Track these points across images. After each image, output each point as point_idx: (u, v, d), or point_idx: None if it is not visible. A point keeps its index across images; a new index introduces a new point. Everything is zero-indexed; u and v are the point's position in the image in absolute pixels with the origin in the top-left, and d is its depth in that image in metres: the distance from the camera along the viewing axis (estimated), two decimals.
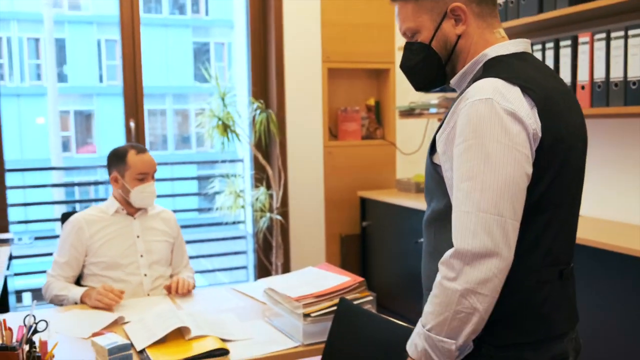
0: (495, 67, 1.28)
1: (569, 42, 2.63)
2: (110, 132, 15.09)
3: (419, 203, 3.52)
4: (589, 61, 2.56)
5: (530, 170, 1.19)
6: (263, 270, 4.22)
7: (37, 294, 5.47)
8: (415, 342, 1.25)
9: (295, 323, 1.88)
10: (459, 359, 1.23)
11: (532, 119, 1.20)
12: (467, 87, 1.29)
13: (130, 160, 2.48)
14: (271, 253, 4.09)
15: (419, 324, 1.26)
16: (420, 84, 1.44)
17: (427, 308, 1.23)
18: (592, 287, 2.40)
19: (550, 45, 2.72)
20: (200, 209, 7.46)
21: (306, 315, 1.86)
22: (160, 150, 15.64)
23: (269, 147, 4.15)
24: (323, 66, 4.15)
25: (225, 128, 3.83)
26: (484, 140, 1.18)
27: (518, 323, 1.25)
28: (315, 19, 4.08)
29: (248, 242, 4.45)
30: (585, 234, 2.44)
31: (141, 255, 2.50)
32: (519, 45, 1.35)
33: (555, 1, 2.66)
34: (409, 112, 3.79)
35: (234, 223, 4.27)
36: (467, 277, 1.16)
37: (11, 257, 3.16)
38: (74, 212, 2.62)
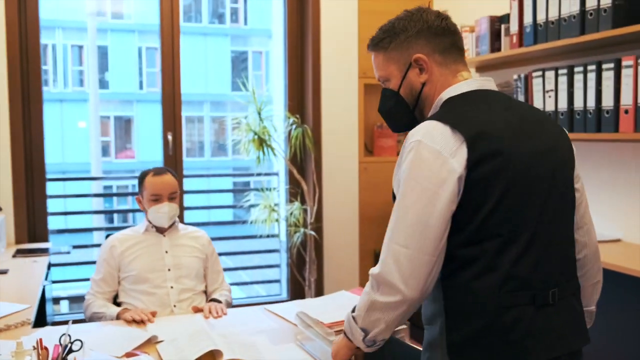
0: (441, 110, 1.42)
1: (611, 65, 2.58)
2: (149, 138, 15.32)
3: None
4: (632, 85, 2.49)
5: (448, 206, 1.29)
6: (296, 285, 4.22)
7: (73, 301, 5.56)
8: (346, 319, 1.48)
9: (327, 349, 1.87)
10: (370, 349, 1.44)
11: (458, 156, 1.29)
12: None
13: (146, 182, 2.63)
14: (304, 268, 4.08)
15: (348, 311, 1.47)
16: (395, 127, 1.58)
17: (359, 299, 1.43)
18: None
19: (592, 67, 2.67)
20: (235, 221, 7.51)
21: None
22: (197, 157, 15.82)
23: (304, 162, 4.16)
24: (359, 82, 4.14)
25: (261, 142, 3.85)
26: (409, 180, 1.31)
27: (486, 347, 1.30)
28: (352, 35, 4.08)
29: (282, 256, 4.45)
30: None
31: (169, 269, 2.59)
32: (472, 84, 1.44)
33: (598, 23, 2.61)
34: None
35: (268, 236, 4.28)
36: (373, 297, 1.36)
37: (49, 266, 3.22)
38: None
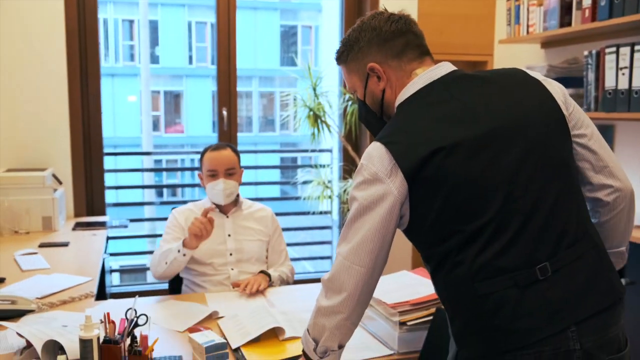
0: (390, 121, 1.46)
1: None
2: (198, 113, 15.49)
3: None
4: None
5: (383, 223, 1.34)
6: None
7: (124, 273, 5.67)
8: (302, 334, 1.50)
9: (390, 330, 1.84)
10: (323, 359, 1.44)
11: (393, 175, 1.32)
12: None
13: (205, 157, 2.58)
14: None
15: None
16: (374, 133, 1.52)
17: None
18: None
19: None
20: (287, 197, 7.51)
21: (402, 324, 1.80)
22: (245, 132, 15.92)
23: (359, 139, 4.09)
24: None
25: (316, 118, 3.81)
26: (351, 197, 1.38)
27: (480, 333, 1.32)
28: (412, 9, 3.96)
29: (334, 232, 4.43)
30: None
31: (230, 254, 2.54)
32: (420, 80, 1.42)
33: None
34: None
35: (320, 213, 4.26)
36: (320, 302, 1.43)
37: (107, 239, 3.27)
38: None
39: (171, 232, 2.57)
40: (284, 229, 2.80)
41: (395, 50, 1.44)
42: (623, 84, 2.77)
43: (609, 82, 2.84)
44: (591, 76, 2.97)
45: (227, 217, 2.60)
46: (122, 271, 5.51)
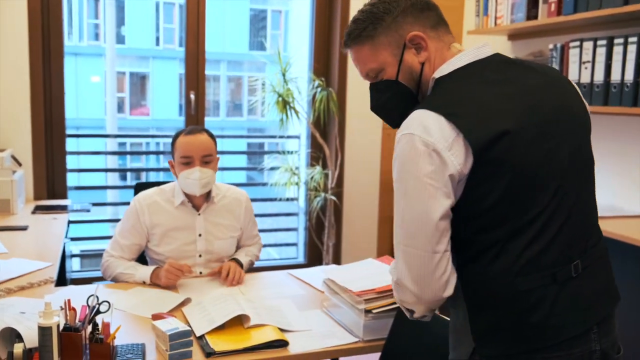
0: (432, 94, 1.34)
1: None
2: (164, 96, 15.26)
3: None
4: None
5: (447, 202, 1.23)
6: (314, 249, 4.20)
7: (84, 258, 5.56)
8: None
9: (356, 318, 1.84)
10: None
11: (454, 149, 1.21)
12: None
13: (177, 142, 2.34)
14: (323, 233, 4.05)
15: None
16: (397, 121, 1.37)
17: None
18: None
19: (633, 39, 2.56)
20: (253, 183, 7.46)
21: (367, 312, 1.81)
22: (212, 117, 15.74)
23: (328, 126, 4.08)
24: None
25: (285, 104, 3.78)
26: (404, 175, 1.25)
27: (511, 331, 1.26)
28: None
29: (300, 219, 4.42)
30: None
31: (199, 255, 2.40)
32: (466, 57, 1.34)
33: None
34: None
35: (287, 200, 4.24)
36: (397, 297, 1.35)
37: (69, 223, 3.20)
38: (147, 183, 2.56)
39: (130, 226, 2.36)
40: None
41: (432, 20, 1.36)
42: (585, 78, 2.81)
43: (572, 76, 2.88)
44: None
45: (199, 214, 2.40)
46: (84, 256, 5.40)
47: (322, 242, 4.10)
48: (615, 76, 2.66)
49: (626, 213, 2.84)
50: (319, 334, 1.84)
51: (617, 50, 2.65)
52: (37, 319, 1.50)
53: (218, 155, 2.43)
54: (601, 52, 2.72)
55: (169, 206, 2.38)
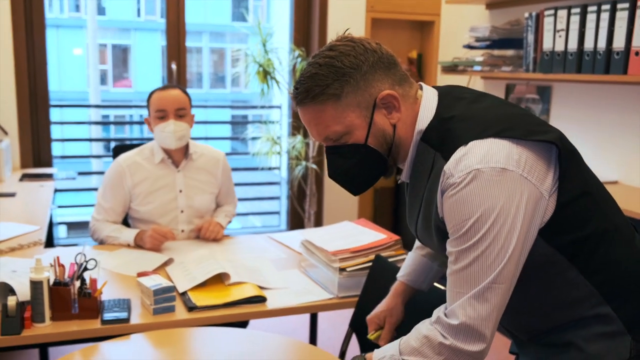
0: (453, 131, 1.16)
1: (626, 5, 2.55)
2: (147, 68, 15.16)
3: None
4: None
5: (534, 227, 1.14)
6: (296, 217, 4.30)
7: (71, 227, 5.64)
8: None
9: (331, 276, 1.94)
10: None
11: (536, 171, 1.14)
12: (434, 166, 1.18)
13: (152, 99, 2.42)
14: (305, 201, 4.15)
15: (396, 348, 1.20)
16: (362, 188, 1.30)
17: (418, 351, 1.16)
18: None
19: (606, 7, 2.64)
20: (236, 152, 7.51)
21: (342, 270, 1.91)
22: (195, 89, 15.69)
23: None
24: (367, 16, 4.09)
25: (266, 75, 3.84)
26: (488, 212, 1.13)
27: None
28: None
29: (282, 188, 4.51)
30: None
31: (182, 211, 2.47)
32: (434, 91, 1.25)
33: None
34: (452, 68, 3.74)
35: (269, 169, 4.33)
36: (456, 345, 1.14)
37: (55, 191, 3.27)
38: (124, 147, 2.61)
39: (111, 188, 2.41)
40: (234, 184, 2.77)
41: (398, 75, 1.22)
42: (560, 46, 2.89)
43: (547, 44, 2.97)
44: (530, 38, 3.09)
45: (179, 170, 2.47)
46: (70, 224, 5.48)
47: (303, 210, 4.20)
48: (589, 44, 2.74)
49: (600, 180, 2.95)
50: (295, 291, 1.95)
51: (591, 18, 2.72)
52: (29, 275, 1.59)
53: (193, 114, 2.51)
54: (575, 20, 2.80)
55: (149, 165, 2.45)
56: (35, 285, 1.58)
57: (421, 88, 1.28)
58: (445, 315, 1.14)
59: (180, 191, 2.47)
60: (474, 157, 1.10)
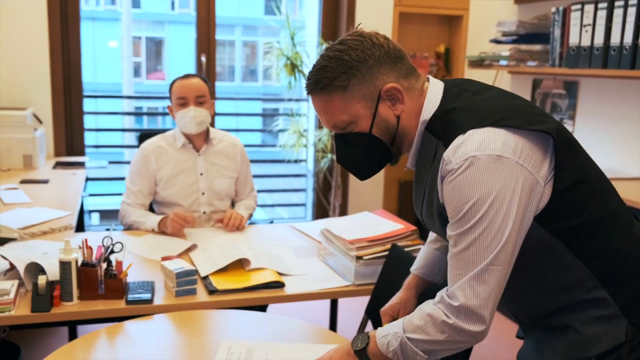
0: (456, 121, 1.21)
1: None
2: (180, 60, 15.35)
3: None
4: None
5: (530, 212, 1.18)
6: (321, 209, 4.35)
7: (103, 216, 5.77)
8: (389, 341, 1.23)
9: (348, 264, 1.99)
10: None
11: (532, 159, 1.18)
12: (437, 154, 1.23)
13: (173, 87, 2.55)
14: (330, 193, 4.20)
15: (399, 326, 1.23)
16: (367, 174, 1.37)
17: (422, 328, 1.20)
18: None
19: (634, 2, 2.62)
20: (263, 145, 7.58)
21: (359, 258, 1.95)
22: (227, 82, 15.84)
23: None
24: (395, 10, 4.11)
25: (293, 67, 3.89)
26: (484, 198, 1.18)
27: None
28: None
29: (308, 180, 4.57)
30: None
31: (202, 193, 2.58)
32: (439, 87, 1.29)
33: None
34: (479, 63, 3.74)
35: (296, 161, 4.38)
36: (459, 325, 1.17)
37: (86, 179, 3.37)
38: (149, 135, 2.71)
39: (138, 172, 2.54)
40: (261, 176, 2.84)
41: (404, 69, 1.28)
42: (586, 41, 2.88)
43: (573, 39, 2.96)
44: (557, 33, 3.08)
45: (199, 155, 2.59)
46: (102, 212, 5.61)
47: (328, 202, 4.25)
48: (615, 39, 2.73)
49: (624, 175, 2.94)
50: (313, 278, 2.00)
51: (617, 13, 2.71)
52: (58, 255, 1.67)
53: (213, 100, 2.63)
54: (602, 15, 2.79)
55: (172, 149, 2.57)
56: (64, 266, 1.66)
57: (428, 80, 1.33)
58: (448, 296, 1.19)
59: (201, 174, 2.59)
60: (471, 144, 1.15)
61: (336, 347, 1.33)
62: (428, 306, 1.22)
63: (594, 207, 1.21)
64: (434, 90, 1.29)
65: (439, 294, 1.22)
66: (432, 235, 1.64)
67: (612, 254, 1.22)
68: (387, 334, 1.24)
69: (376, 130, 1.28)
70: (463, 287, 1.16)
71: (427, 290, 1.66)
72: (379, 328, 1.29)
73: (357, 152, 1.32)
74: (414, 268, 1.66)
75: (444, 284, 1.48)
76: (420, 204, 1.35)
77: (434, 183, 1.24)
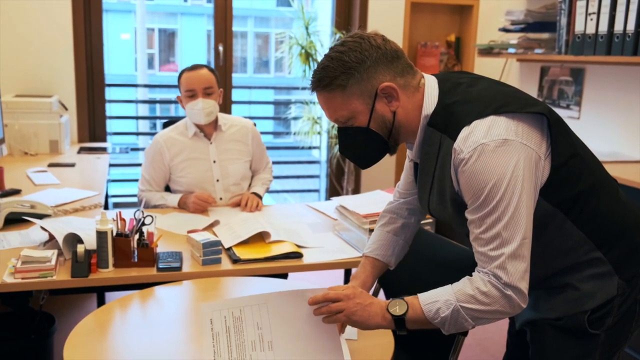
0: (457, 113, 1.32)
1: None
2: (193, 52, 15.50)
3: None
4: None
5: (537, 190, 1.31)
6: (334, 194, 4.48)
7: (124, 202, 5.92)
8: (439, 307, 1.30)
9: (362, 236, 2.12)
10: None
11: (532, 138, 1.30)
12: (442, 147, 1.34)
13: (182, 79, 2.60)
14: (343, 178, 4.33)
15: (450, 293, 1.31)
16: (368, 163, 1.48)
17: (475, 298, 1.28)
18: None
19: None
20: (277, 132, 7.71)
21: (371, 231, 2.08)
22: (239, 73, 15.97)
23: None
24: (406, 0, 4.22)
25: (308, 56, 4.01)
26: (500, 181, 1.28)
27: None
28: None
29: (322, 167, 4.69)
30: None
31: (217, 180, 2.66)
32: (434, 77, 1.41)
33: None
34: (488, 51, 3.85)
35: (309, 148, 4.51)
36: (514, 299, 1.28)
37: (109, 165, 3.52)
38: (173, 121, 2.81)
39: (151, 161, 2.63)
40: (275, 163, 2.93)
41: (400, 67, 1.37)
42: (591, 29, 2.98)
43: (579, 27, 3.06)
44: (564, 21, 3.18)
45: (211, 142, 2.66)
46: (123, 197, 5.76)
47: (342, 188, 4.37)
48: (618, 27, 2.83)
49: (627, 159, 3.04)
50: (329, 249, 2.13)
51: (621, 2, 2.80)
52: (95, 226, 1.82)
53: (221, 89, 2.68)
54: (606, 3, 2.89)
55: (184, 139, 2.65)
56: (101, 235, 1.80)
57: (423, 77, 1.44)
58: (492, 272, 1.27)
59: (214, 162, 2.66)
60: (479, 133, 1.26)
61: (359, 294, 1.39)
62: (478, 277, 1.30)
63: (586, 177, 1.34)
64: (430, 86, 1.40)
65: (482, 270, 1.30)
66: (382, 219, 1.70)
67: (604, 218, 1.35)
68: (436, 301, 1.31)
69: (374, 125, 1.38)
70: (503, 265, 1.25)
71: (445, 257, 1.79)
72: (419, 295, 1.36)
73: (357, 144, 1.43)
74: (369, 251, 1.67)
75: (461, 251, 1.61)
76: (427, 195, 1.46)
77: (443, 173, 1.36)
